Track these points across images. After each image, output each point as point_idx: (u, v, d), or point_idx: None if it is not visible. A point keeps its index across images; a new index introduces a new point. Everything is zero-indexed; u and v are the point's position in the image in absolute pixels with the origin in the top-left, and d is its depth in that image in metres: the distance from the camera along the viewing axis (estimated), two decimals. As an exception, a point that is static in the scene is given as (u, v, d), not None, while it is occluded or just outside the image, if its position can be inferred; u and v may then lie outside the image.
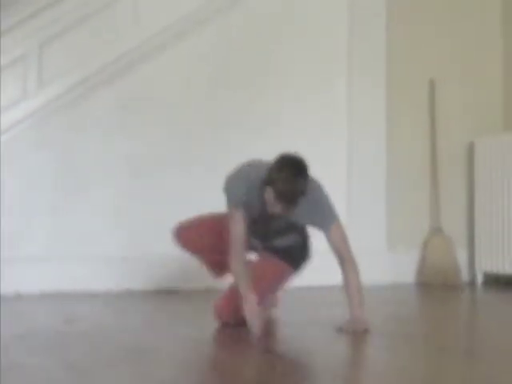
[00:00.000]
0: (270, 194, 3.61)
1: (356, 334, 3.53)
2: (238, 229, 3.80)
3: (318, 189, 3.89)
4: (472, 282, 5.84)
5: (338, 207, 5.67)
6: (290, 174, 3.60)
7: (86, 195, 5.33)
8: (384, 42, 5.82)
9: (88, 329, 3.80)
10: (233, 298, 3.77)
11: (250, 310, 3.64)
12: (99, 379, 2.67)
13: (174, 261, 5.34)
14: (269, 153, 5.68)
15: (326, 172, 5.73)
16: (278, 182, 3.57)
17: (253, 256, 4.07)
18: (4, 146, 5.19)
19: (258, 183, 3.72)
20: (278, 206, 3.61)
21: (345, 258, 3.79)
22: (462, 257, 5.90)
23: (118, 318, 4.24)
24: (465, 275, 5.91)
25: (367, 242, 5.74)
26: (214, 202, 5.61)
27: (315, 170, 5.66)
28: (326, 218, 3.85)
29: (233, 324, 3.74)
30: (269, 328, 3.79)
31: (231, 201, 3.84)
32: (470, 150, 5.96)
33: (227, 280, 4.03)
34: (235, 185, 3.84)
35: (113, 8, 5.40)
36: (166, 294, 5.17)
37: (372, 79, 5.83)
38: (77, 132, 5.35)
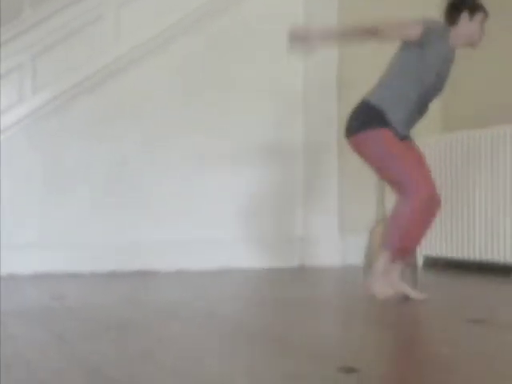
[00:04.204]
0: (478, 19, 3.72)
1: None
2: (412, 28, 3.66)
3: None
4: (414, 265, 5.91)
5: (295, 199, 5.82)
6: None
7: (72, 191, 5.38)
8: (336, 58, 5.90)
9: (74, 305, 3.83)
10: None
11: None
12: (84, 348, 2.70)
13: (149, 246, 5.44)
14: (238, 151, 5.81)
15: (284, 164, 5.86)
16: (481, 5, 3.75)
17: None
18: (1, 146, 5.23)
19: (441, 30, 3.75)
20: (483, 28, 3.74)
21: None
22: (404, 242, 5.97)
23: (101, 296, 4.26)
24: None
25: (321, 228, 5.85)
26: (187, 205, 5.74)
27: (273, 160, 5.79)
28: None
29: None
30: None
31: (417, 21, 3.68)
32: (412, 149, 6.03)
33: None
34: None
35: (97, 24, 5.45)
36: (146, 275, 5.23)
37: (325, 82, 5.90)
38: (65, 135, 5.39)
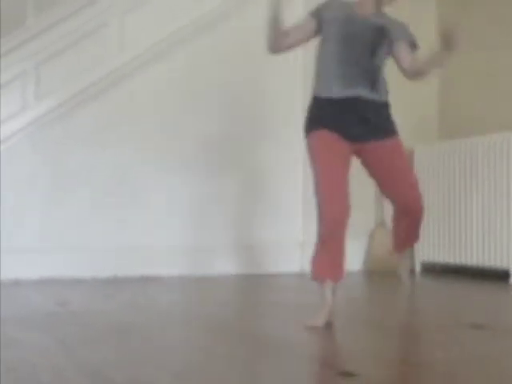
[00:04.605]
0: None
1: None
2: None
3: None
4: (411, 270, 5.89)
5: (294, 206, 5.82)
6: None
7: (75, 197, 5.38)
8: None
9: (77, 310, 3.82)
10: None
11: None
12: (86, 353, 2.71)
13: (152, 251, 5.43)
14: (239, 157, 5.80)
15: (284, 170, 5.86)
16: None
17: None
18: (4, 152, 5.24)
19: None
20: None
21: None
22: (402, 248, 5.97)
23: (104, 301, 4.26)
24: (405, 264, 5.98)
25: (321, 234, 5.85)
26: (189, 211, 5.70)
27: (274, 165, 5.79)
28: (410, 34, 3.44)
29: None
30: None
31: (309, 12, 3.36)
32: (410, 156, 6.04)
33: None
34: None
35: (101, 31, 5.47)
36: (149, 280, 5.22)
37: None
38: (68, 142, 5.39)
